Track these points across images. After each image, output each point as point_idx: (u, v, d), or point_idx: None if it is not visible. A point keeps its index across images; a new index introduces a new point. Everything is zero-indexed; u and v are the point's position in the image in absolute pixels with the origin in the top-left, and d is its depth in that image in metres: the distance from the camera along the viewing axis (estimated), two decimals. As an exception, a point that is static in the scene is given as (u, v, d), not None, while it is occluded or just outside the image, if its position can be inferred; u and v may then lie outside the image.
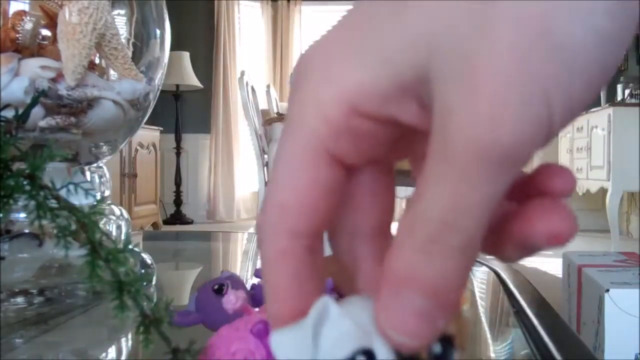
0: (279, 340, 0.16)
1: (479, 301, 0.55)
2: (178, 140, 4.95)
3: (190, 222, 4.99)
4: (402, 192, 2.81)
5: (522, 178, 0.17)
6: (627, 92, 4.01)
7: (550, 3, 0.13)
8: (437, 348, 0.16)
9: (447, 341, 0.16)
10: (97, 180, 0.53)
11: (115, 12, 0.51)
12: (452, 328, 0.17)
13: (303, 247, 0.17)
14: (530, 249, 0.16)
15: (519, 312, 0.47)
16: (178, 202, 4.97)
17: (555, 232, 0.15)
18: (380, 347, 0.15)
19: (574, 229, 0.15)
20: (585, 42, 0.13)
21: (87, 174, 0.52)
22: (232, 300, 0.25)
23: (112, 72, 0.51)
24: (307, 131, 0.16)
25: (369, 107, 0.16)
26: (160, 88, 0.57)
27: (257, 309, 0.30)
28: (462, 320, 0.38)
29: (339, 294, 0.39)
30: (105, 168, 0.55)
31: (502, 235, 0.16)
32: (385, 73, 0.15)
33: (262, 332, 0.23)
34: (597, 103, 4.35)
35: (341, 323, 0.15)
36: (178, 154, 4.98)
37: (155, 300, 0.24)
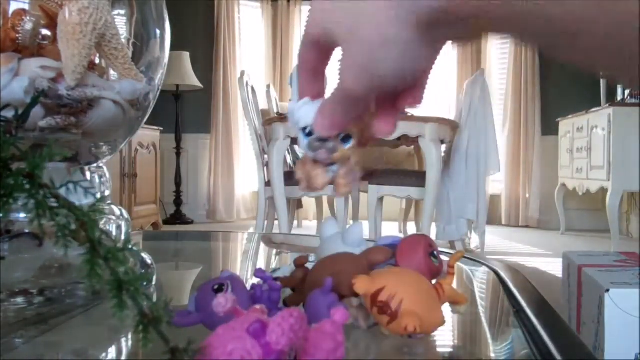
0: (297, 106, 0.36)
1: (479, 301, 0.55)
2: (178, 140, 4.95)
3: (190, 222, 4.99)
4: (401, 192, 2.81)
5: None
6: (627, 92, 4.01)
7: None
8: (340, 136, 0.35)
9: (347, 135, 0.35)
10: (97, 180, 0.53)
11: (115, 12, 0.51)
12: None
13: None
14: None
15: (519, 312, 0.47)
16: (178, 202, 4.97)
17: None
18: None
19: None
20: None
21: (87, 174, 0.52)
22: (222, 302, 0.25)
23: (112, 72, 0.51)
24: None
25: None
26: (160, 88, 0.57)
27: (249, 310, 0.30)
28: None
29: (339, 293, 0.39)
30: (105, 168, 0.55)
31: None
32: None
33: (259, 332, 0.23)
34: (597, 103, 4.35)
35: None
36: (178, 154, 4.97)
37: (154, 299, 0.24)
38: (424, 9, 0.26)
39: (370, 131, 0.34)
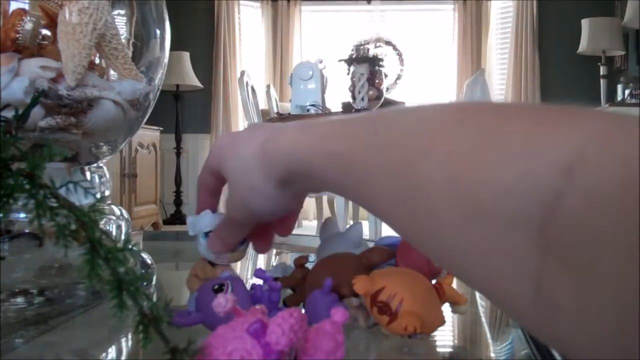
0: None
1: (479, 301, 0.55)
2: (178, 140, 4.95)
3: (191, 222, 4.98)
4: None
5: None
6: (627, 92, 4.01)
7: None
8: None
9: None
10: (97, 180, 0.53)
11: (115, 12, 0.51)
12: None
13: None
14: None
15: (519, 312, 0.47)
16: (178, 202, 4.97)
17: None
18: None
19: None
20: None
21: (87, 174, 0.52)
22: (222, 302, 0.25)
23: (112, 72, 0.51)
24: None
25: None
26: (160, 88, 0.57)
27: (249, 310, 0.30)
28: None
29: (339, 293, 0.39)
30: (105, 168, 0.55)
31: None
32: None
33: (259, 332, 0.23)
34: (597, 103, 4.35)
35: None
36: (178, 154, 4.97)
37: (154, 299, 0.24)
38: (280, 172, 0.34)
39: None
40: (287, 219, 0.41)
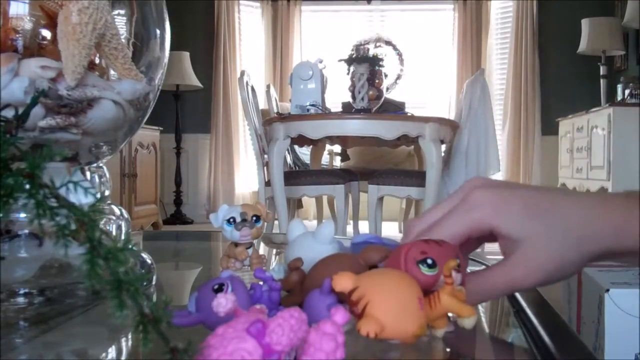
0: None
1: (478, 301, 0.55)
2: (178, 140, 4.95)
3: (190, 222, 4.99)
4: (401, 192, 2.81)
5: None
6: (627, 92, 4.01)
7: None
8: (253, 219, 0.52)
9: (258, 217, 0.52)
10: (97, 180, 0.53)
11: (115, 12, 0.51)
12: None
13: None
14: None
15: (519, 312, 0.47)
16: (178, 202, 4.97)
17: None
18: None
19: None
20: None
21: (87, 174, 0.52)
22: (222, 302, 0.25)
23: (112, 72, 0.51)
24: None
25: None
26: (160, 88, 0.56)
27: (249, 310, 0.30)
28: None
29: (337, 294, 0.39)
30: (105, 168, 0.55)
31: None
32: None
33: (259, 332, 0.23)
34: (597, 103, 4.35)
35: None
36: (178, 154, 4.97)
37: (154, 299, 0.24)
38: (597, 250, 0.37)
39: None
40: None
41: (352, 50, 3.07)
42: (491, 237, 0.41)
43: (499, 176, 4.65)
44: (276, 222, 2.84)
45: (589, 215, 0.38)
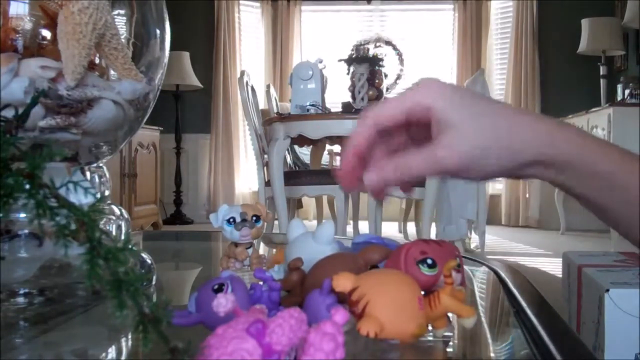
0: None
1: (479, 301, 0.55)
2: (178, 140, 4.95)
3: (190, 222, 4.99)
4: (402, 192, 2.80)
5: None
6: (627, 92, 4.01)
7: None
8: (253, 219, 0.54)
9: (258, 218, 0.55)
10: (97, 180, 0.53)
11: (115, 12, 0.51)
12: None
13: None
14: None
15: (519, 312, 0.47)
16: (178, 202, 4.97)
17: None
18: None
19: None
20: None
21: (87, 174, 0.52)
22: (222, 302, 0.25)
23: (112, 72, 0.51)
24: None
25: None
26: (160, 88, 0.56)
27: (249, 310, 0.30)
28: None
29: (338, 294, 0.39)
30: (105, 168, 0.55)
31: None
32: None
33: (259, 332, 0.23)
34: (597, 103, 4.35)
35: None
36: (178, 154, 4.97)
37: (154, 299, 0.24)
38: (529, 153, 0.39)
39: None
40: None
41: (352, 50, 3.07)
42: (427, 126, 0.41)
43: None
44: (276, 222, 2.84)
45: (524, 120, 0.39)
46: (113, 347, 0.40)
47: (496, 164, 0.39)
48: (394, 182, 0.40)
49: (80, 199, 0.27)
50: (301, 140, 2.90)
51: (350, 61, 2.80)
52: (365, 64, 2.73)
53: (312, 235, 0.47)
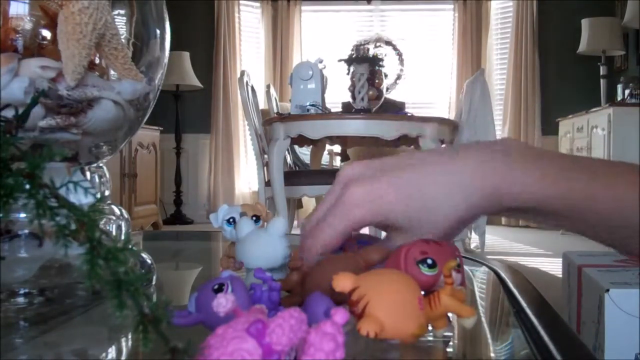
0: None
1: (479, 301, 0.55)
2: (178, 140, 4.95)
3: (190, 222, 4.99)
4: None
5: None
6: (627, 92, 4.01)
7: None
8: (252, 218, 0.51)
9: (257, 217, 0.52)
10: (97, 180, 0.53)
11: (115, 12, 0.51)
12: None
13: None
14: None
15: (519, 312, 0.47)
16: (178, 202, 4.97)
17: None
18: None
19: None
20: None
21: (87, 174, 0.52)
22: (222, 302, 0.25)
23: (112, 72, 0.51)
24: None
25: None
26: (160, 88, 0.56)
27: (249, 310, 0.30)
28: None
29: (335, 297, 0.39)
30: (105, 168, 0.55)
31: None
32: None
33: (260, 332, 0.23)
34: (597, 103, 4.35)
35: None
36: (178, 154, 4.97)
37: (154, 299, 0.24)
38: (477, 212, 0.41)
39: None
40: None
41: (352, 50, 3.07)
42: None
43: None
44: (276, 222, 2.84)
45: (461, 189, 0.40)
46: (113, 347, 0.40)
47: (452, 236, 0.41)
48: (327, 247, 0.42)
49: (80, 199, 0.27)
50: (301, 140, 2.90)
51: (350, 61, 2.80)
52: (365, 64, 2.73)
53: (265, 231, 0.47)
